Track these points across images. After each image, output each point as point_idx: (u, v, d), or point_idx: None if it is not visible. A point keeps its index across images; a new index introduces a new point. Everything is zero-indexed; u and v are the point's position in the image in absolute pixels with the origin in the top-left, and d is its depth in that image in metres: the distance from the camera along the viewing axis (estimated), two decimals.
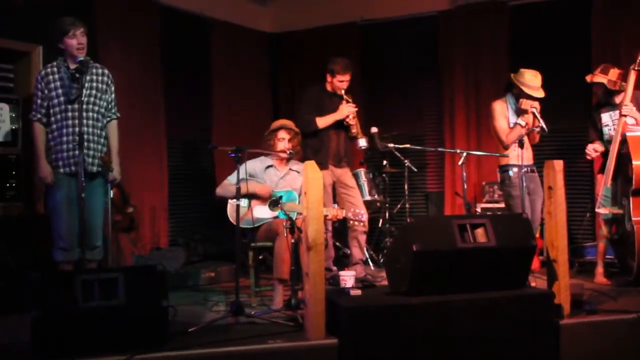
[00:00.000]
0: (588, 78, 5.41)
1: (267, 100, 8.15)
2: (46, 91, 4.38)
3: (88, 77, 4.41)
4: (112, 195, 4.61)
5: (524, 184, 4.92)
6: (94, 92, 4.47)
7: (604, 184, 5.25)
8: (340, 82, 5.62)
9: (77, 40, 4.35)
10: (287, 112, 7.73)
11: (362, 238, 5.70)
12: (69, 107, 4.38)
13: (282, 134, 5.18)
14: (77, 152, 4.13)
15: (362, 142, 5.68)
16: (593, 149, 5.41)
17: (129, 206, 5.22)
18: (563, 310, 3.98)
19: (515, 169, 5.17)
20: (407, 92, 7.66)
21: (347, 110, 5.61)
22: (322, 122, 5.62)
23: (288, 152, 5.10)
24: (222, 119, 7.39)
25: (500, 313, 3.79)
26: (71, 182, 4.35)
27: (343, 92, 5.64)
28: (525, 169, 5.16)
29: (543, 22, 6.97)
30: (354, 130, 5.69)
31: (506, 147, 5.27)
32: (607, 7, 6.56)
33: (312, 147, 5.64)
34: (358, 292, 4.08)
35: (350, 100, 5.64)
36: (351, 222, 5.10)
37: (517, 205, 5.08)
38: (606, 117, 5.41)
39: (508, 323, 3.78)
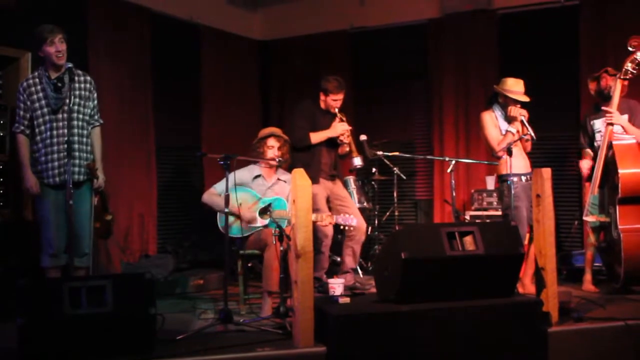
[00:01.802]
0: (610, 69, 5.37)
1: (257, 107, 8.14)
2: (29, 103, 4.36)
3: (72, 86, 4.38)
4: (95, 203, 4.59)
5: (513, 192, 4.95)
6: (77, 100, 4.44)
7: (591, 192, 5.28)
8: (334, 100, 5.55)
9: (55, 48, 4.31)
10: (277, 119, 7.74)
11: (358, 248, 5.60)
12: (54, 117, 4.36)
13: (271, 142, 5.17)
14: (64, 162, 4.11)
15: (357, 162, 5.59)
16: (588, 168, 5.43)
17: (107, 214, 5.21)
18: (551, 317, 3.99)
19: (516, 179, 5.11)
20: (396, 99, 7.67)
21: (340, 129, 5.53)
22: (316, 138, 5.53)
23: (277, 159, 5.09)
24: (212, 126, 7.38)
25: (489, 321, 3.79)
26: (58, 191, 4.34)
27: (337, 110, 5.60)
28: (526, 177, 5.18)
29: (531, 31, 7.02)
30: (347, 149, 5.64)
31: (498, 157, 5.25)
32: (595, 15, 6.62)
33: (303, 161, 5.49)
34: (347, 299, 4.09)
35: (344, 119, 5.58)
36: (343, 227, 5.08)
37: (518, 215, 5.03)
38: (599, 124, 5.41)
39: (496, 331, 3.79)
